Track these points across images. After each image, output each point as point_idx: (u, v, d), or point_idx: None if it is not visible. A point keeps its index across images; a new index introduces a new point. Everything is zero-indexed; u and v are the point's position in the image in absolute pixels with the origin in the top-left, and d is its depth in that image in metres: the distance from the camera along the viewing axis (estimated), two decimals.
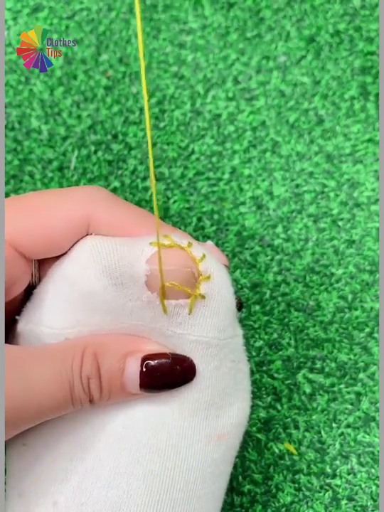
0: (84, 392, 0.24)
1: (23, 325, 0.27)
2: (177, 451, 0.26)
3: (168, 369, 0.26)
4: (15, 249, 0.25)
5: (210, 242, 0.28)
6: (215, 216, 0.41)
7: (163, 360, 0.25)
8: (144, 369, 0.25)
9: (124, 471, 0.26)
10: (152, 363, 0.25)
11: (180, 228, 0.35)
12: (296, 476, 0.35)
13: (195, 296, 0.25)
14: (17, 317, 0.27)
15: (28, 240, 0.25)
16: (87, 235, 0.26)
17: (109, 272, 0.25)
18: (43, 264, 0.27)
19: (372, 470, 0.35)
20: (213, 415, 0.27)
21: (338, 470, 0.35)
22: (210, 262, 0.26)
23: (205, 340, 0.26)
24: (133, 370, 0.25)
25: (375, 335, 0.38)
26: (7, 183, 0.40)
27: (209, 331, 0.26)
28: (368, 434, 0.36)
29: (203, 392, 0.27)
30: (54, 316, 0.26)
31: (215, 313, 0.26)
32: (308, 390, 0.37)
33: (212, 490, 0.27)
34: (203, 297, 0.25)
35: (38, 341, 0.26)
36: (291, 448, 0.36)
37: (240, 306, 0.28)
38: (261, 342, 0.38)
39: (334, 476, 0.35)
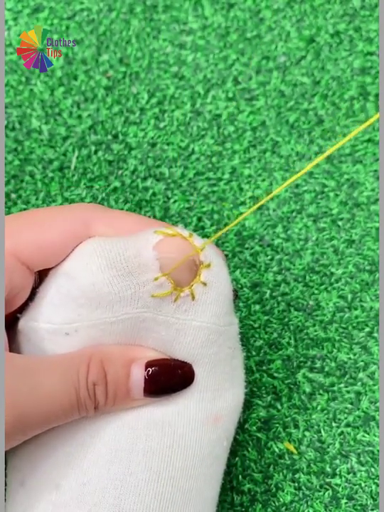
0: (89, 398, 0.25)
1: (23, 322, 0.27)
2: (174, 430, 0.27)
3: (169, 374, 0.27)
4: (18, 261, 0.26)
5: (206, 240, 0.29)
6: (215, 216, 0.41)
7: (166, 365, 0.27)
8: (148, 375, 0.26)
9: (124, 447, 0.26)
10: (155, 368, 0.26)
11: None
12: (296, 475, 0.35)
13: (196, 283, 0.26)
14: (18, 315, 0.28)
15: (30, 252, 0.26)
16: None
17: (114, 263, 0.25)
18: (44, 271, 0.28)
19: (372, 469, 0.35)
20: (210, 397, 0.28)
21: (337, 469, 0.35)
22: (210, 252, 0.27)
23: (207, 326, 0.27)
24: (138, 375, 0.26)
25: (375, 334, 0.38)
26: (7, 183, 0.40)
27: (211, 317, 0.27)
28: (368, 434, 0.36)
29: (202, 376, 0.28)
30: (54, 311, 0.26)
31: (215, 301, 0.27)
32: (308, 390, 0.37)
33: (210, 472, 0.28)
34: (205, 284, 0.26)
35: (38, 337, 0.26)
36: (291, 447, 0.36)
37: (235, 296, 0.29)
38: (261, 341, 0.38)
39: (334, 475, 0.35)
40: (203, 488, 0.27)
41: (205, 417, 0.28)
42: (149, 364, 0.26)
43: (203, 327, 0.27)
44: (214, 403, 0.28)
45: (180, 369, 0.27)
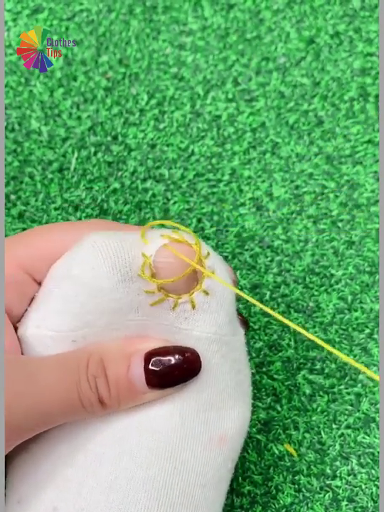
0: (91, 390, 0.24)
1: (23, 330, 0.26)
2: (176, 454, 0.26)
3: (172, 361, 0.26)
4: (26, 273, 0.26)
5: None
6: (215, 217, 0.41)
7: (167, 353, 0.26)
8: (149, 365, 0.25)
9: (123, 474, 0.25)
10: (156, 357, 0.25)
11: None
12: (296, 477, 0.35)
13: (198, 291, 0.26)
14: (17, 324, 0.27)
15: (39, 262, 0.26)
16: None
17: (119, 267, 0.25)
18: None
19: (373, 471, 0.35)
20: (214, 417, 0.27)
21: (338, 471, 0.35)
22: (214, 260, 0.26)
23: (207, 336, 0.26)
24: (137, 366, 0.25)
25: (375, 336, 0.38)
26: (7, 184, 0.40)
27: (211, 326, 0.26)
28: (368, 435, 0.36)
29: (205, 391, 0.27)
30: (60, 319, 0.26)
31: (217, 310, 0.26)
32: (308, 391, 0.37)
33: (213, 496, 0.27)
34: (206, 293, 0.26)
35: (43, 345, 0.26)
36: (291, 449, 0.36)
37: (246, 327, 0.28)
38: (261, 343, 0.38)
39: (334, 477, 0.35)
40: None
41: (208, 439, 0.27)
42: (149, 354, 0.25)
43: (203, 337, 0.26)
44: (218, 424, 0.27)
45: (182, 355, 0.26)
